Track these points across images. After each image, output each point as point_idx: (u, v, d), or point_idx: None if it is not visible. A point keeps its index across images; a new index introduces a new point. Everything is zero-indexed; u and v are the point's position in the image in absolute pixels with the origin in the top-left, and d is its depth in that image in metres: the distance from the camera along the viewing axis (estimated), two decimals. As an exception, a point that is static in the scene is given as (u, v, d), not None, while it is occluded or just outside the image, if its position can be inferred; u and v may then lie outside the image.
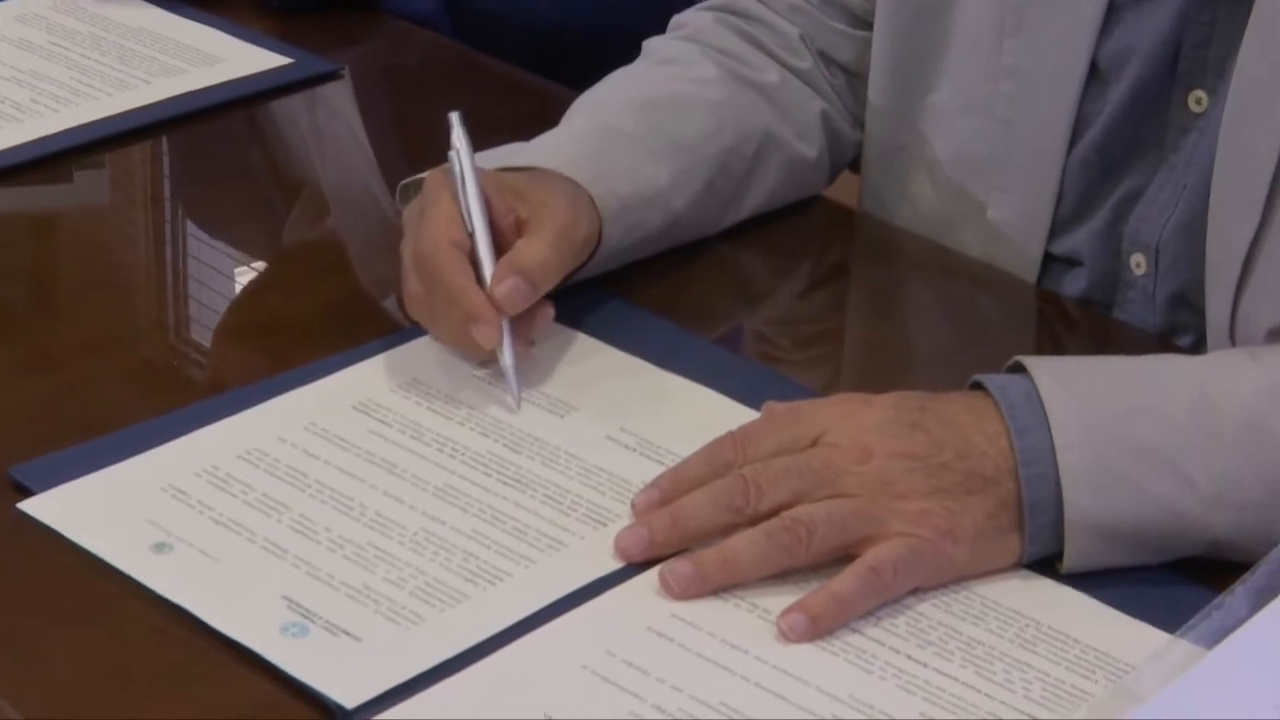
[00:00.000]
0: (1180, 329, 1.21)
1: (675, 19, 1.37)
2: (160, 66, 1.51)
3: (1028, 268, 1.26)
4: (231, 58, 1.53)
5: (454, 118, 1.14)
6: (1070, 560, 0.97)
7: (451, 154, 1.12)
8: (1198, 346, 1.19)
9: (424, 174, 1.16)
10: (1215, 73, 1.16)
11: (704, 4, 1.37)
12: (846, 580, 0.94)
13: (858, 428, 0.99)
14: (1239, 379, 1.00)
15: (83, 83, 1.47)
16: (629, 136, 1.23)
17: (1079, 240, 1.24)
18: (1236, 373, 1.01)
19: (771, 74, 1.31)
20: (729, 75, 1.30)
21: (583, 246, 1.16)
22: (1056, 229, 1.24)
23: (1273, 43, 1.12)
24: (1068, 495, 0.96)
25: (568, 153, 1.20)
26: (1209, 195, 1.15)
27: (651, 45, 1.35)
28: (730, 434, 1.01)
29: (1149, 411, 0.98)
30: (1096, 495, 0.96)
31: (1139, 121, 1.20)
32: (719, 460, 1.00)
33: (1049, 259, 1.26)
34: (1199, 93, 1.17)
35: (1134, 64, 1.19)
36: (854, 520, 0.95)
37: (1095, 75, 1.21)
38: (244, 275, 1.36)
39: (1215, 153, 1.15)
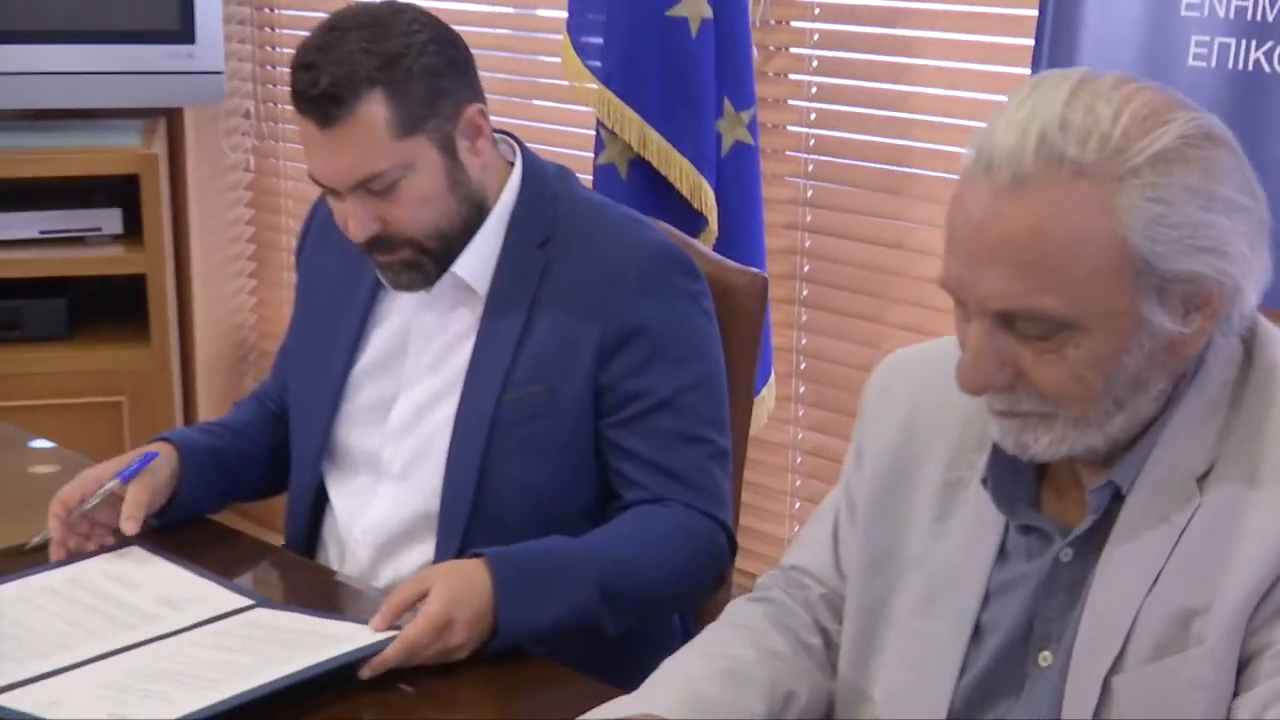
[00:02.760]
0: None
1: (759, 581, 1.99)
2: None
3: (929, 773, 1.76)
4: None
5: None
6: None
7: None
8: None
9: None
10: (1056, 640, 1.68)
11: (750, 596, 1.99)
12: None
13: None
14: None
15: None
16: (716, 702, 1.81)
17: (964, 756, 1.75)
18: None
19: (802, 640, 1.92)
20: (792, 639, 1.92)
21: None
22: (948, 749, 1.75)
23: (1099, 623, 1.64)
24: None
25: (677, 705, 1.78)
26: None
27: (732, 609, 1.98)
28: None
29: None
30: None
31: (1004, 670, 1.72)
32: None
33: (944, 767, 1.75)
34: (1046, 653, 1.69)
35: (1001, 631, 1.72)
36: None
37: (977, 635, 1.74)
38: None
39: (1059, 696, 1.66)
